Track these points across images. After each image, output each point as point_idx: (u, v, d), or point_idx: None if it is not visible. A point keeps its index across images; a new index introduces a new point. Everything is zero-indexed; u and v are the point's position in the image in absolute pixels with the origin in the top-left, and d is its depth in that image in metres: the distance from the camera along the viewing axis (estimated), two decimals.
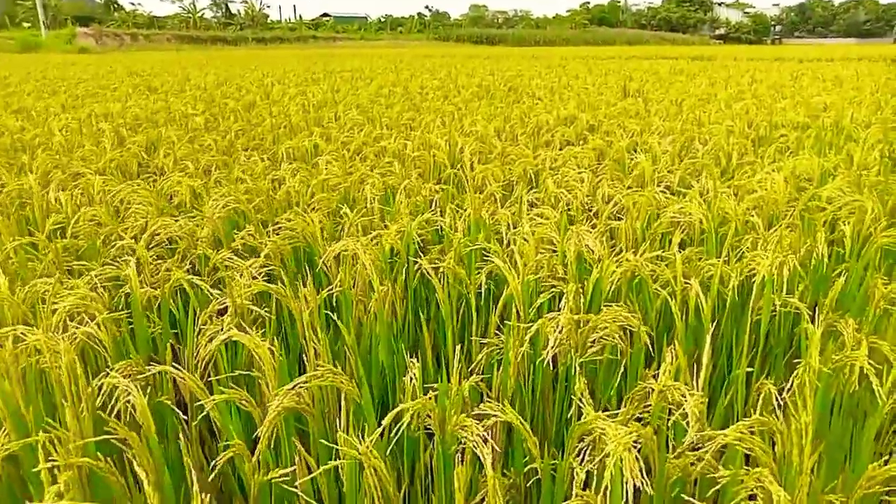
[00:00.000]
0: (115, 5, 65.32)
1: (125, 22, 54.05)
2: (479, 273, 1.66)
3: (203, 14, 65.02)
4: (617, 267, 1.52)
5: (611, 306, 1.55)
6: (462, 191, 3.06)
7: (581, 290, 1.53)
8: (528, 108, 5.64)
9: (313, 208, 2.27)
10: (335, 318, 1.43)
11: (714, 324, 1.66)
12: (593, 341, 1.25)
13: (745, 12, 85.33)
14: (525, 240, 1.75)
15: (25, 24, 50.08)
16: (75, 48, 36.49)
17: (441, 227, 2.15)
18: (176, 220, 1.97)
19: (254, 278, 1.59)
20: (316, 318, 1.38)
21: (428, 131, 4.11)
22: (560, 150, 3.72)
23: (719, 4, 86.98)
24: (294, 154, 3.67)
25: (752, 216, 1.98)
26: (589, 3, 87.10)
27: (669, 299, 1.53)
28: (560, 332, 1.18)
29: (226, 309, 1.46)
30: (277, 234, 1.90)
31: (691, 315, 1.54)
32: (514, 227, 2.20)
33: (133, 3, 71.57)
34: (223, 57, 24.60)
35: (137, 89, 8.15)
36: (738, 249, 1.86)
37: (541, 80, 9.41)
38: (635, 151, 3.53)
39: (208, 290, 1.44)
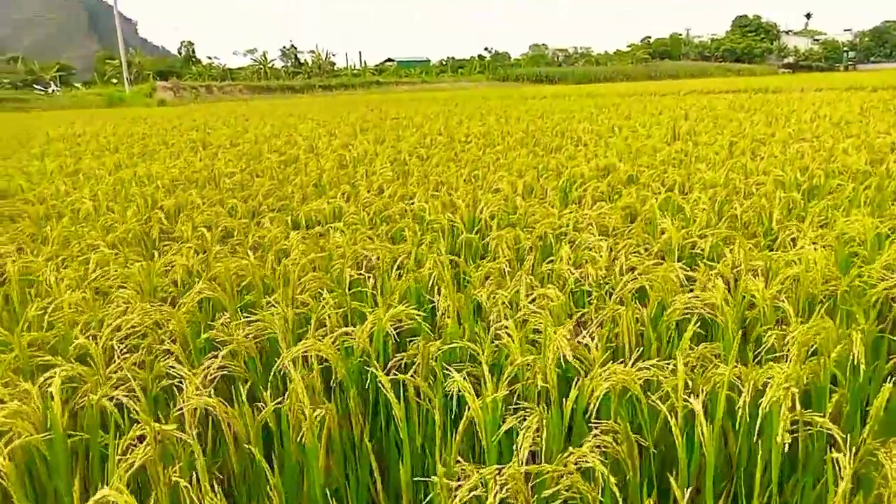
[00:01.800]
0: (194, 59, 69.44)
1: (201, 75, 57.26)
2: (453, 378, 1.47)
3: (273, 64, 68.18)
4: (604, 381, 1.30)
5: (598, 425, 1.34)
6: (477, 256, 2.89)
7: (561, 407, 1.32)
8: (568, 158, 5.45)
9: (304, 289, 2.15)
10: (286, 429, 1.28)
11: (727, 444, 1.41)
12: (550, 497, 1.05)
13: (815, 39, 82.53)
14: (509, 335, 1.55)
15: (113, 81, 53.78)
16: (155, 101, 38.85)
17: (436, 306, 1.98)
18: (154, 307, 1.89)
19: (219, 371, 1.47)
20: (254, 443, 1.23)
21: (454, 189, 3.98)
22: (592, 205, 3.51)
23: (787, 33, 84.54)
24: (315, 217, 3.61)
25: (782, 301, 1.72)
26: (650, 37, 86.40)
27: (670, 417, 1.31)
28: (503, 490, 0.98)
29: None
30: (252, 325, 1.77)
31: (696, 438, 1.30)
32: (515, 307, 2.01)
33: (210, 57, 75.91)
34: (289, 105, 25.56)
35: (193, 144, 8.44)
36: (761, 346, 1.60)
37: (590, 122, 9.19)
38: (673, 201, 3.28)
39: (135, 411, 1.31)
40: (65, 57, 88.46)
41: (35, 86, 45.96)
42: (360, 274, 2.26)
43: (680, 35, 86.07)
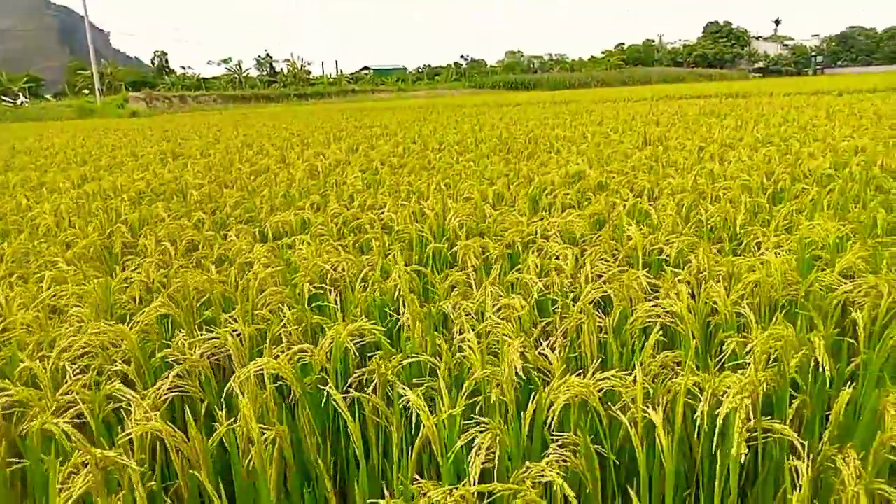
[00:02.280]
0: (167, 70, 68.69)
1: (175, 85, 56.67)
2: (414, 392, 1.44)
3: (248, 73, 67.71)
4: (563, 393, 1.28)
5: (559, 438, 1.32)
6: (445, 265, 2.87)
7: (520, 420, 1.30)
8: (540, 165, 5.46)
9: (265, 303, 2.11)
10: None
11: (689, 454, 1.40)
12: None
13: (784, 45, 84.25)
14: (470, 347, 1.53)
15: (85, 92, 52.96)
16: (127, 112, 38.30)
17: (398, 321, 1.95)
18: (108, 326, 1.83)
19: (170, 394, 1.42)
20: (203, 468, 1.19)
21: (424, 198, 3.95)
22: (562, 212, 3.51)
23: (757, 38, 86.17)
24: (283, 229, 3.56)
25: (744, 307, 1.71)
26: (623, 43, 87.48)
27: (630, 428, 1.29)
28: None
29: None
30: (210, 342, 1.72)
31: (657, 447, 1.28)
32: (482, 316, 1.99)
33: (184, 67, 75.15)
34: (263, 114, 25.37)
35: (163, 156, 8.31)
36: (722, 353, 1.59)
37: (563, 129, 9.24)
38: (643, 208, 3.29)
39: (74, 437, 1.26)
40: (36, 68, 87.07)
41: (3, 98, 45.10)
42: (323, 287, 2.22)
43: (653, 42, 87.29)
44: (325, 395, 1.45)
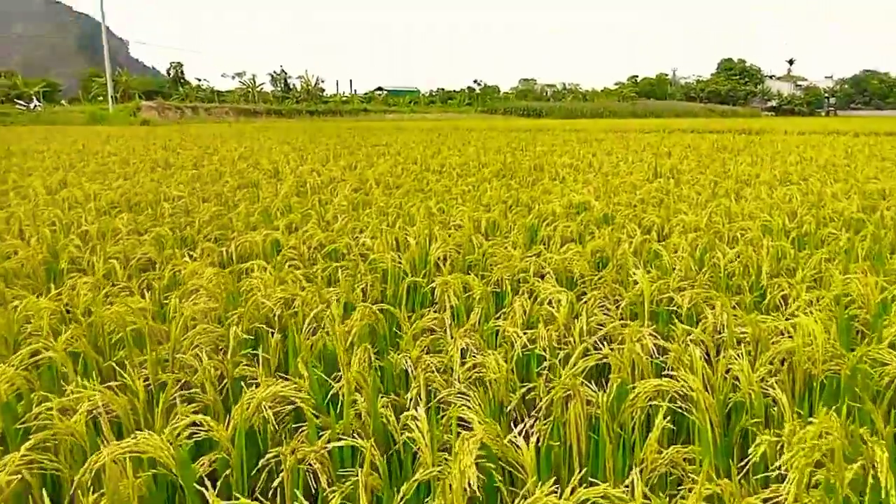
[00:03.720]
0: (182, 80, 69.12)
1: (188, 96, 56.94)
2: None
3: (262, 88, 68.03)
4: None
5: None
6: (424, 303, 2.51)
7: None
8: (543, 192, 5.12)
9: (193, 344, 1.75)
10: None
11: None
12: None
13: (798, 84, 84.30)
14: (422, 435, 1.17)
15: (99, 99, 53.25)
16: (138, 120, 38.35)
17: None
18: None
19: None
20: None
21: (411, 224, 3.61)
22: (560, 246, 3.15)
23: (770, 77, 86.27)
24: (253, 250, 3.21)
25: (773, 386, 1.35)
26: (637, 76, 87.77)
27: None
28: None
29: None
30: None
31: None
32: (451, 372, 1.63)
33: (199, 79, 75.71)
34: (270, 129, 25.22)
35: (154, 164, 8.02)
36: (748, 445, 1.22)
37: (570, 157, 8.92)
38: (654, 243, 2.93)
39: None
40: (55, 74, 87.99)
41: (17, 101, 45.34)
42: (269, 326, 1.87)
43: (666, 75, 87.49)
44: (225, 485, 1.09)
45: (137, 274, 2.87)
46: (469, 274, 2.75)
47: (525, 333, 1.74)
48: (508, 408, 1.53)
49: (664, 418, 1.22)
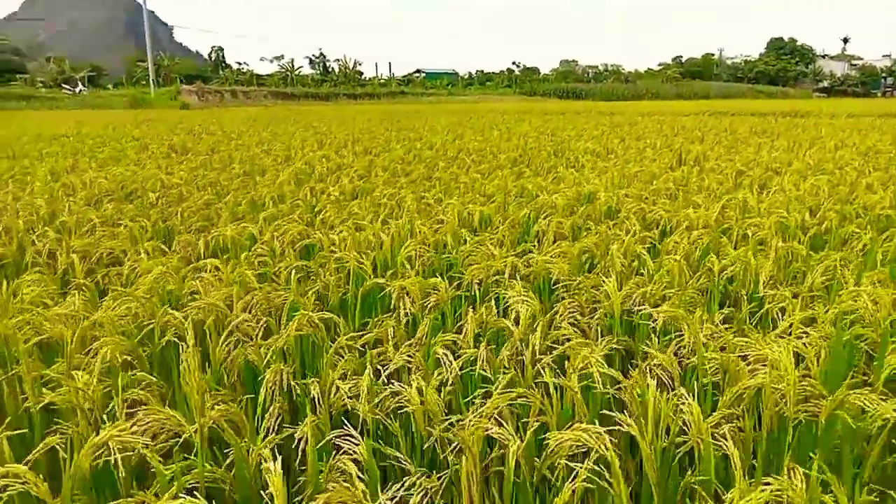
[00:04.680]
0: (223, 65, 69.97)
1: (228, 80, 57.63)
2: None
3: (300, 71, 68.35)
4: None
5: None
6: (383, 309, 2.31)
7: None
8: (553, 181, 4.85)
9: (94, 356, 1.59)
10: None
11: None
12: None
13: (852, 64, 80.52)
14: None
15: (143, 83, 54.34)
16: (178, 104, 38.95)
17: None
18: None
19: None
20: None
21: (394, 217, 3.41)
22: (553, 243, 2.91)
23: (823, 56, 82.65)
24: (222, 243, 3.06)
25: (726, 435, 1.10)
26: (681, 56, 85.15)
27: None
28: None
29: None
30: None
31: None
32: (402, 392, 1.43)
33: (239, 63, 76.42)
34: (304, 112, 25.25)
35: (172, 150, 7.99)
36: None
37: (596, 143, 8.56)
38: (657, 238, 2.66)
39: None
40: (101, 59, 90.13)
41: (63, 85, 46.59)
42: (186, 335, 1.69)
43: (713, 55, 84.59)
44: None
45: (102, 269, 2.75)
46: (447, 274, 2.54)
47: (451, 362, 1.52)
48: (425, 446, 1.33)
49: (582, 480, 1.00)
